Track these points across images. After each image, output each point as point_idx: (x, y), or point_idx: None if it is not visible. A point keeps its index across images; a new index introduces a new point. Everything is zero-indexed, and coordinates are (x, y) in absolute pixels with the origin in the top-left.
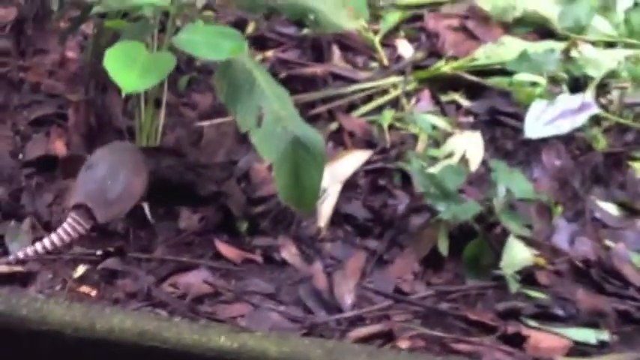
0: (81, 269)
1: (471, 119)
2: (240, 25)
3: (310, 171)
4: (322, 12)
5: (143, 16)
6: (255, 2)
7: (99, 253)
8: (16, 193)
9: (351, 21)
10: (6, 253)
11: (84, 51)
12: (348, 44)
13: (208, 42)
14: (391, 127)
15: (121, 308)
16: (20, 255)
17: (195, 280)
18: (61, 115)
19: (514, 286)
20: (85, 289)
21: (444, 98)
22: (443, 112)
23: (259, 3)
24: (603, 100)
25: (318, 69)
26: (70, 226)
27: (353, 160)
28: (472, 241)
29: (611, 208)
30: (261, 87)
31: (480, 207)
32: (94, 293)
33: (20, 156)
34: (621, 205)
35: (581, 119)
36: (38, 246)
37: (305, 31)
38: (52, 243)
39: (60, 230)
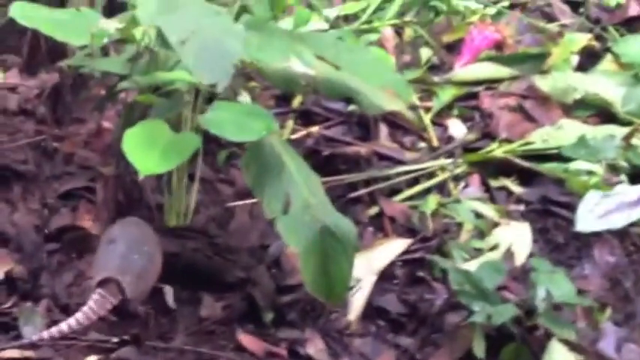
0: (94, 357)
1: (521, 207)
2: (286, 97)
3: (340, 262)
4: (363, 92)
5: (177, 90)
6: (290, 81)
7: (115, 340)
8: (36, 272)
9: (393, 102)
10: (19, 336)
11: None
12: (397, 122)
13: (236, 122)
14: (435, 213)
15: None
16: (45, 335)
17: None
18: (91, 189)
19: None
20: None
21: (494, 184)
22: (492, 199)
23: (295, 82)
24: None
25: (362, 148)
26: (97, 303)
27: (391, 249)
28: (510, 344)
29: None
30: (290, 172)
31: (518, 309)
32: None
33: (46, 231)
34: None
35: (637, 213)
36: (64, 326)
37: (352, 106)
38: (78, 321)
39: (86, 308)
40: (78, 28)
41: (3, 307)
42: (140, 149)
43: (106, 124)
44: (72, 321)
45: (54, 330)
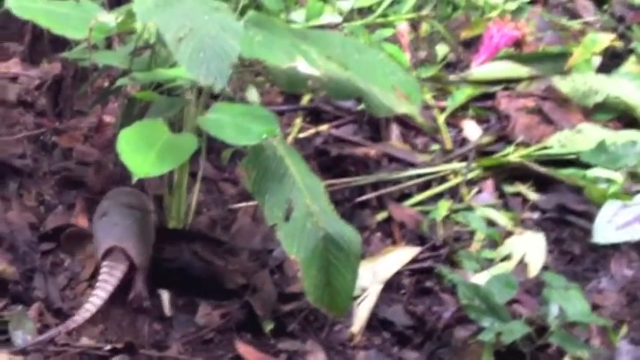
0: None
1: (536, 216)
2: (295, 94)
3: (343, 272)
4: (372, 94)
5: (179, 87)
6: (296, 81)
7: (107, 348)
8: (29, 273)
9: (403, 104)
10: (8, 340)
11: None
12: (409, 123)
13: (236, 124)
14: (446, 219)
15: None
16: (73, 323)
17: None
18: (88, 185)
19: None
20: None
21: (508, 189)
22: (506, 206)
23: (300, 82)
24: None
25: (372, 150)
26: (108, 275)
27: (398, 257)
28: None
29: None
30: (293, 177)
31: (529, 328)
32: None
33: (41, 229)
34: None
35: None
36: (89, 306)
37: (363, 105)
38: (100, 297)
39: (100, 283)
40: (76, 21)
41: None
42: (135, 150)
43: (108, 119)
44: (94, 300)
45: (78, 317)
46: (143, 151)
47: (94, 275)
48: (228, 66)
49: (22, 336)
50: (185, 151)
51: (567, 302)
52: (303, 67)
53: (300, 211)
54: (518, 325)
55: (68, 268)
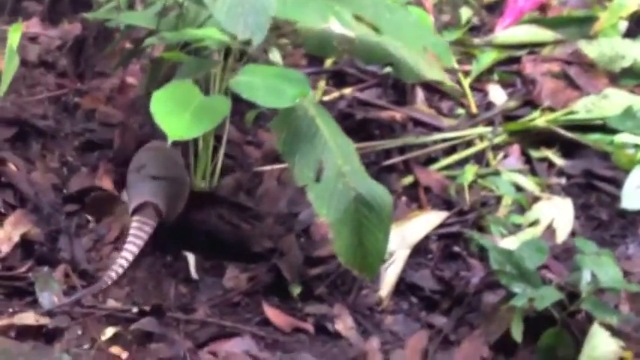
0: (112, 329)
1: (563, 181)
2: (318, 57)
3: (375, 232)
4: (402, 59)
5: (207, 48)
6: (327, 44)
7: (135, 310)
8: (54, 235)
9: (434, 71)
10: (35, 302)
11: (140, 80)
12: (435, 86)
13: (268, 86)
14: (473, 184)
15: None
16: (110, 279)
17: (238, 349)
18: (112, 146)
19: None
20: (115, 350)
21: (535, 154)
22: (532, 171)
23: (331, 45)
24: None
25: (397, 113)
26: (138, 230)
27: (426, 222)
28: (550, 329)
29: None
30: (324, 138)
31: (561, 294)
32: (124, 356)
33: (64, 191)
34: None
35: None
36: (122, 261)
37: (387, 69)
38: (131, 252)
39: (131, 238)
40: None
41: (18, 271)
42: (169, 112)
43: (130, 80)
44: (126, 255)
45: (112, 273)
46: (177, 113)
47: (120, 238)
48: (266, 20)
49: (48, 297)
50: (218, 113)
51: (599, 268)
52: (336, 27)
53: (332, 171)
54: (550, 290)
55: (93, 230)
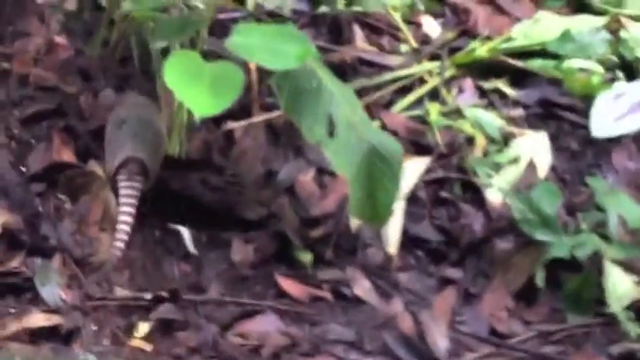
0: (130, 321)
1: (521, 112)
2: None
3: (385, 183)
4: None
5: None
6: None
7: (148, 297)
8: (33, 220)
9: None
10: (35, 298)
11: (88, 42)
12: (369, 22)
13: (268, 46)
14: (438, 124)
15: None
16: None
17: (265, 327)
18: (60, 114)
19: (631, 328)
20: (138, 343)
21: (486, 86)
22: (490, 104)
23: None
24: None
25: (346, 55)
26: (129, 189)
27: (412, 170)
28: (576, 274)
29: None
30: (329, 89)
31: (600, 241)
32: (149, 348)
33: (23, 168)
34: None
35: None
36: (123, 226)
37: (322, 8)
38: (130, 214)
39: (123, 199)
40: None
41: (9, 266)
42: (187, 85)
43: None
44: (125, 219)
45: (118, 243)
46: (194, 86)
47: (105, 217)
48: None
49: (52, 292)
50: (236, 81)
51: (622, 209)
52: None
53: (343, 124)
54: (588, 238)
55: (73, 212)
